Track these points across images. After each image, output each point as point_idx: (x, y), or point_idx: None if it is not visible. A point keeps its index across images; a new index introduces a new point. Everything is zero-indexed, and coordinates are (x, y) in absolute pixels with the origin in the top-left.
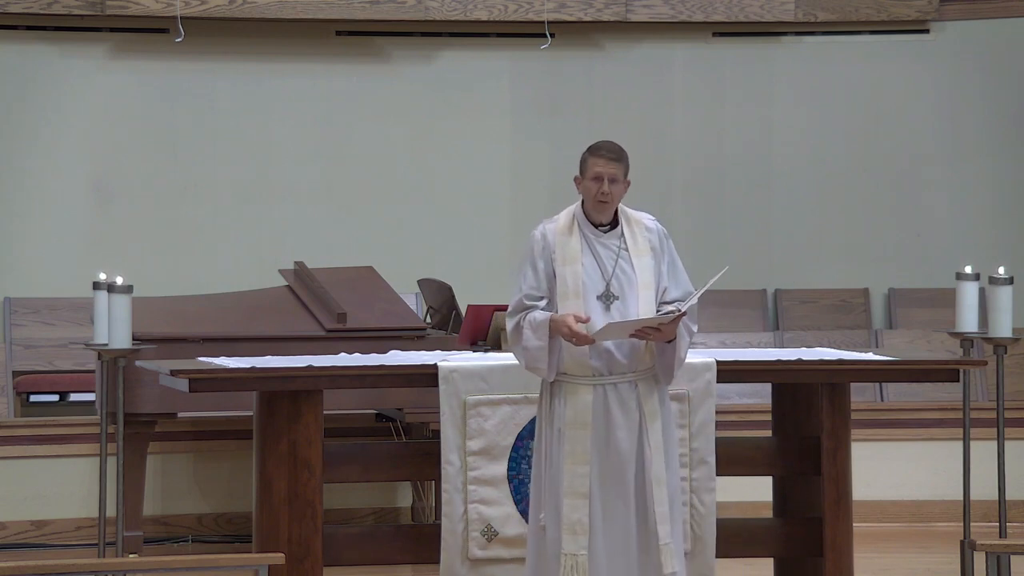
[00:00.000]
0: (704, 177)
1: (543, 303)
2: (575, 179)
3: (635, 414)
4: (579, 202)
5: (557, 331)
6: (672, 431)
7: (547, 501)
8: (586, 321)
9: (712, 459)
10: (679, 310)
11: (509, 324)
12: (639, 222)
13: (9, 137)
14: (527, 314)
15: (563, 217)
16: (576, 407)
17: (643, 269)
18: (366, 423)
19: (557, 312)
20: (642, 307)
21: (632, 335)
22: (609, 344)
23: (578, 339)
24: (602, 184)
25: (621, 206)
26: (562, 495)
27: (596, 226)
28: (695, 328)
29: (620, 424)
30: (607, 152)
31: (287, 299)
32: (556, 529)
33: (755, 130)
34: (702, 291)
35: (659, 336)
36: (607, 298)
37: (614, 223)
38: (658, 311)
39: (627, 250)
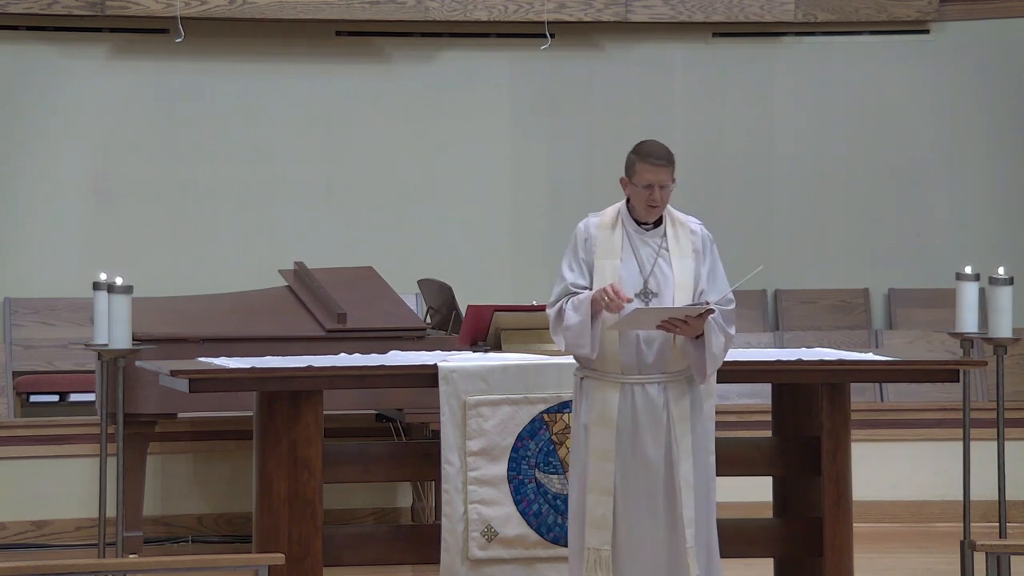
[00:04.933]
0: (704, 177)
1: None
2: (621, 180)
3: (662, 417)
4: (624, 200)
5: (597, 303)
6: (707, 435)
7: (574, 496)
8: (621, 293)
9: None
10: (707, 303)
11: (551, 312)
12: (684, 224)
13: (9, 137)
14: (568, 298)
15: (608, 212)
16: (602, 404)
17: (682, 270)
18: (366, 423)
19: None
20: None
21: (659, 327)
22: (640, 341)
23: (613, 300)
24: (653, 192)
25: (668, 207)
26: (587, 490)
27: (640, 224)
28: (732, 330)
29: (646, 426)
30: (657, 159)
31: (287, 299)
32: (580, 524)
33: (755, 130)
34: (732, 289)
35: (687, 331)
36: (645, 295)
37: (658, 222)
38: (695, 303)
39: (668, 250)
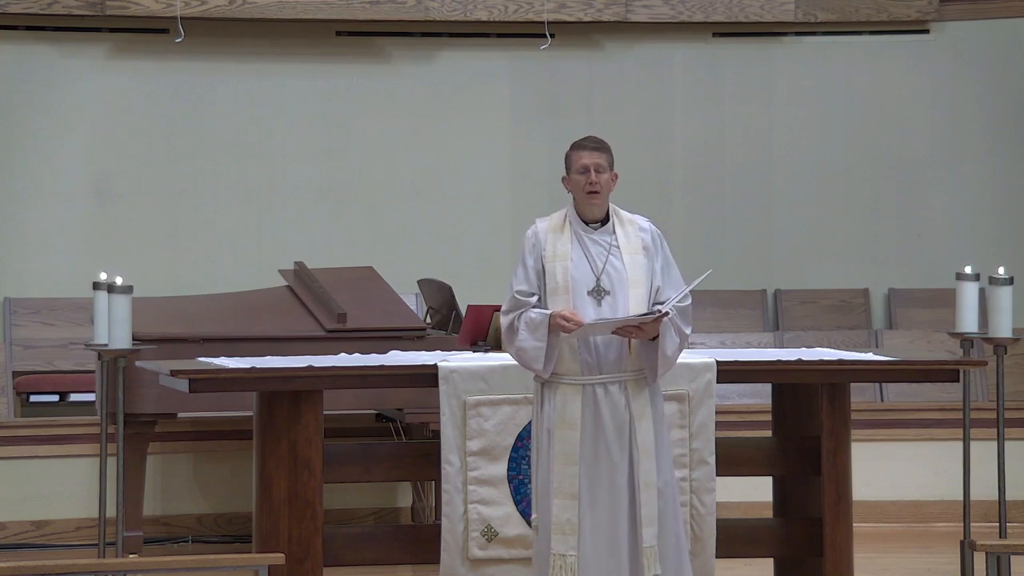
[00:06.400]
0: (704, 177)
1: (534, 299)
2: (563, 180)
3: (624, 415)
4: (572, 203)
5: (554, 327)
6: (665, 433)
7: (538, 502)
8: (577, 318)
9: (712, 459)
10: (659, 310)
11: (504, 322)
12: (632, 222)
13: (9, 137)
14: (522, 313)
15: (556, 215)
16: (565, 408)
17: (634, 266)
18: (366, 423)
19: (546, 308)
20: (632, 304)
21: (615, 332)
22: (599, 343)
23: (569, 324)
24: (589, 175)
25: (614, 206)
26: (552, 495)
27: (588, 224)
28: (688, 330)
29: (609, 425)
30: (589, 143)
31: (287, 299)
32: (546, 529)
33: (755, 130)
34: (686, 291)
35: (642, 335)
36: (598, 293)
37: (606, 221)
38: (649, 311)
39: (618, 247)
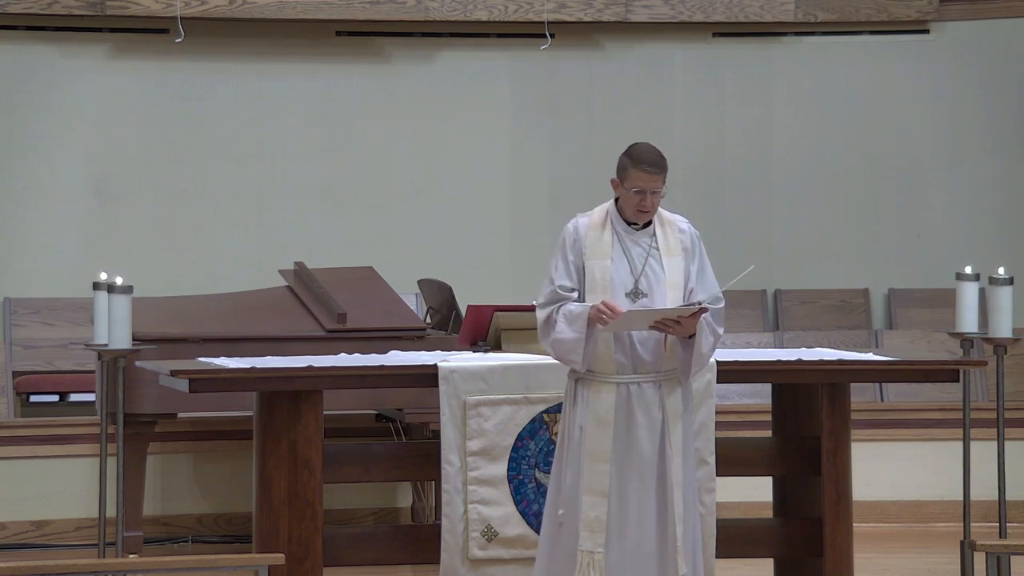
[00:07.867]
0: (704, 177)
1: (575, 295)
2: (612, 182)
3: (657, 415)
4: (613, 199)
5: (593, 318)
6: (691, 434)
7: (567, 498)
8: (617, 310)
9: (712, 459)
10: (699, 303)
11: (540, 315)
12: (672, 223)
13: (9, 137)
14: (561, 306)
15: (597, 212)
16: (598, 405)
17: (672, 269)
18: (366, 423)
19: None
20: (669, 306)
21: (652, 327)
22: (635, 341)
23: (604, 315)
24: (644, 197)
25: None
26: (582, 492)
27: (629, 224)
28: (721, 330)
29: (642, 424)
30: (650, 166)
31: (287, 299)
32: (574, 526)
33: (755, 130)
34: (720, 292)
35: (680, 330)
36: (635, 295)
37: (647, 222)
38: (688, 304)
39: (658, 249)
